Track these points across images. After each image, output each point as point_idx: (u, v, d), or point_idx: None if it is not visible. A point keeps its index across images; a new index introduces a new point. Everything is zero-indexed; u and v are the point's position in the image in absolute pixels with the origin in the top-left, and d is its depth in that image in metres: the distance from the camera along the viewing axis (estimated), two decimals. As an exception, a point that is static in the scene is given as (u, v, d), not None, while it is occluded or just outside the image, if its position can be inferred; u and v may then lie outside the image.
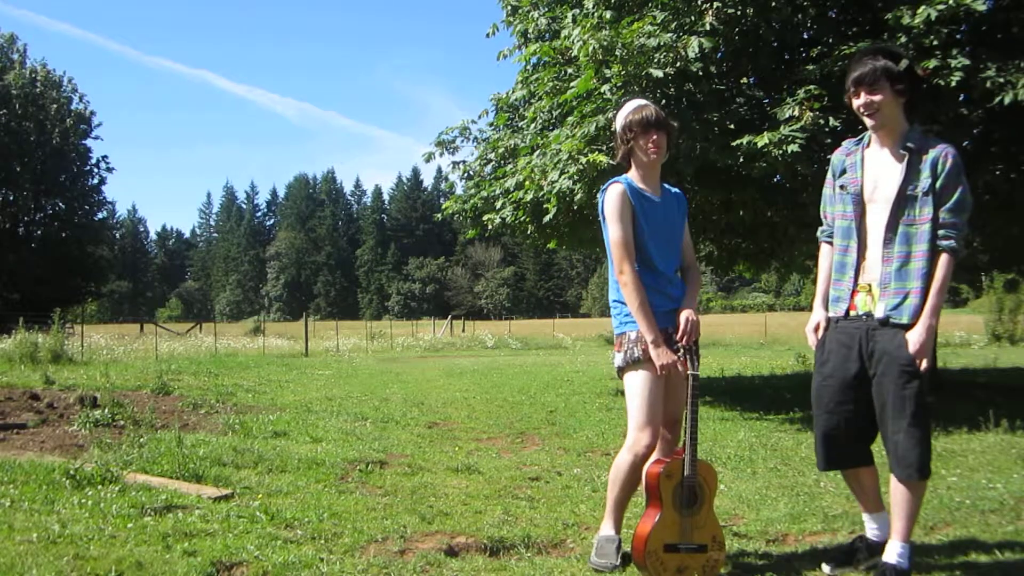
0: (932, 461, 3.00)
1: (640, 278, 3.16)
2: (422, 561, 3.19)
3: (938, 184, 2.86)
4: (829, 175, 3.20)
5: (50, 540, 3.21)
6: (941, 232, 2.87)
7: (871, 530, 3.19)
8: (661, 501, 3.01)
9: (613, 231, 3.19)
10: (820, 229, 3.27)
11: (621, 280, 3.17)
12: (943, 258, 2.87)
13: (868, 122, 2.98)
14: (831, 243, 3.18)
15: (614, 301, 3.29)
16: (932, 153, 2.89)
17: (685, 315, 3.17)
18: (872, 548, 3.14)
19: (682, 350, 3.12)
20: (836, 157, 3.19)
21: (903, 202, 2.90)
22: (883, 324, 2.93)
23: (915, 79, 2.94)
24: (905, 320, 2.90)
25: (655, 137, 3.17)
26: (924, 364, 2.86)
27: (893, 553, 2.97)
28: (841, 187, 3.11)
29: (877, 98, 2.92)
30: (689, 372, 3.06)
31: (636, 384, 3.15)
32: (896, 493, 2.98)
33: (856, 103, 2.99)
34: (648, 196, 3.23)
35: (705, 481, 3.07)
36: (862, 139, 3.13)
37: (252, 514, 3.71)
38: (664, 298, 3.20)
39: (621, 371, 3.22)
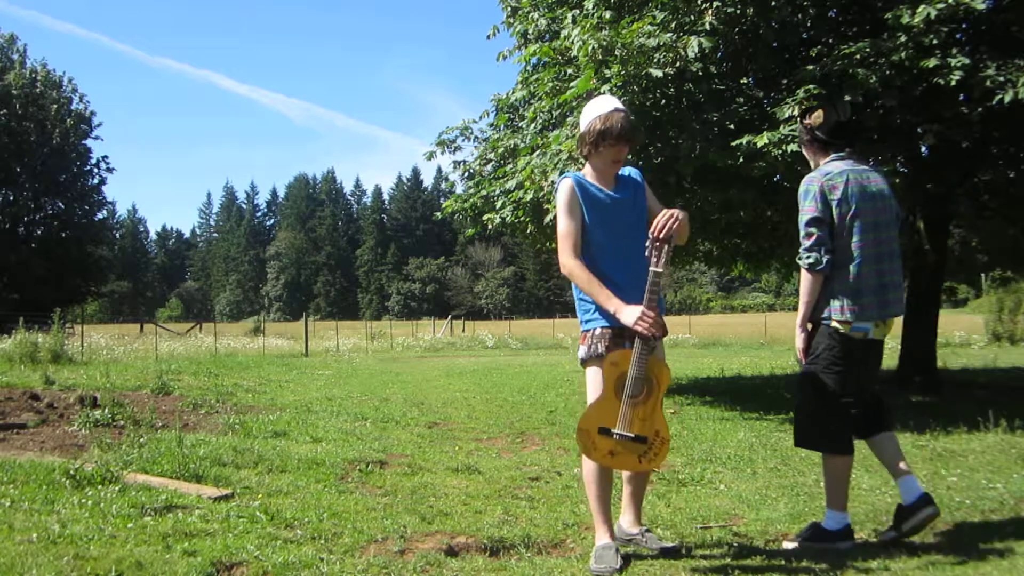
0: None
1: (583, 263, 3.19)
2: (422, 561, 3.19)
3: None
4: None
5: (50, 540, 3.21)
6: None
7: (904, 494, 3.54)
8: (603, 386, 3.10)
9: (559, 224, 3.26)
10: None
11: (565, 271, 3.22)
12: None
13: None
14: None
15: (578, 299, 3.33)
16: None
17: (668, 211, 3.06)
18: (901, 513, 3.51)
19: (650, 246, 3.05)
20: None
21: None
22: None
23: (806, 127, 3.60)
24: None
25: (619, 149, 3.21)
26: (798, 354, 3.54)
27: (824, 520, 3.48)
28: None
29: (803, 150, 3.71)
30: (652, 269, 3.03)
31: (596, 377, 3.22)
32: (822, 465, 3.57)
33: None
34: (598, 192, 3.26)
35: (656, 377, 3.10)
36: None
37: (252, 514, 3.71)
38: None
39: (583, 363, 3.29)
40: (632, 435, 3.05)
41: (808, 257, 3.38)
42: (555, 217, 3.34)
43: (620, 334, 3.17)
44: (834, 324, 3.42)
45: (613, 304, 3.09)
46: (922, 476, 4.74)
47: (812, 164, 3.64)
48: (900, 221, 3.66)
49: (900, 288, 3.63)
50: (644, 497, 3.67)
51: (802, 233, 3.41)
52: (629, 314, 3.04)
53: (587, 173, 3.31)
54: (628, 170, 3.39)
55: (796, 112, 3.71)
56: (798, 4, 7.23)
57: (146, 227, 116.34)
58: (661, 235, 3.03)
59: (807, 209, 3.41)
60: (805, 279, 3.42)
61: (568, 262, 3.19)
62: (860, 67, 6.32)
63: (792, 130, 6.24)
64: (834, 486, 3.46)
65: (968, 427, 6.27)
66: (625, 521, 3.44)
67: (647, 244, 3.06)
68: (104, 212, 42.16)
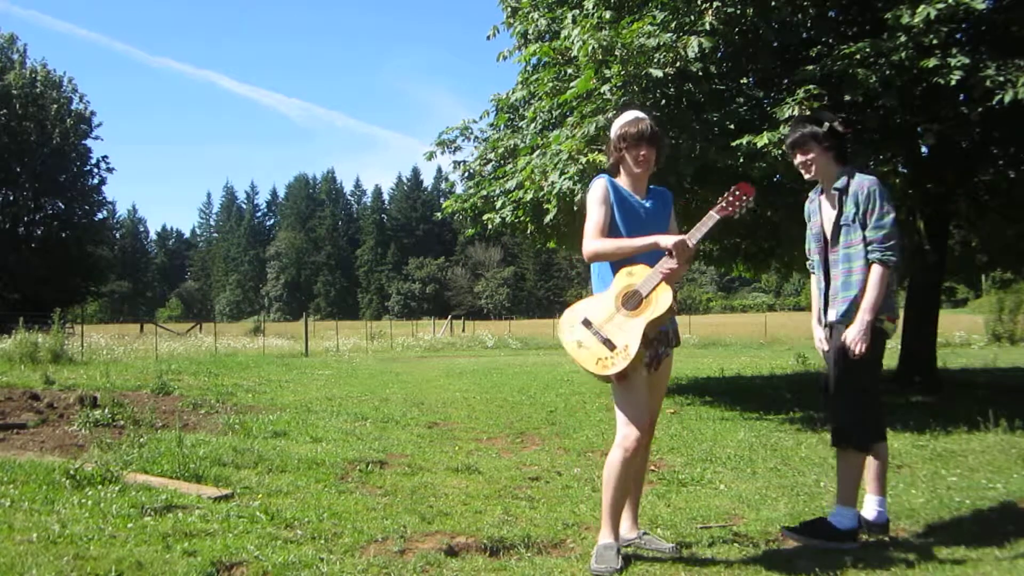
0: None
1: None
2: (422, 561, 3.19)
3: (861, 211, 3.49)
4: (806, 219, 3.81)
5: (50, 540, 3.21)
6: (869, 248, 3.46)
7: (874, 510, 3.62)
8: (611, 285, 3.23)
9: (589, 216, 3.33)
10: (807, 262, 3.83)
11: (590, 252, 3.29)
12: (872, 268, 3.46)
13: (806, 175, 3.66)
14: (815, 273, 3.77)
15: (597, 292, 3.37)
16: (853, 188, 3.51)
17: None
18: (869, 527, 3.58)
19: (728, 193, 3.28)
20: (806, 205, 3.81)
21: (838, 231, 3.57)
22: (832, 326, 3.58)
23: (836, 134, 3.58)
24: (848, 320, 3.51)
25: (644, 152, 3.33)
26: (859, 350, 3.41)
27: (832, 515, 3.50)
28: (810, 229, 3.76)
29: (808, 156, 3.62)
30: (711, 212, 3.24)
31: (626, 382, 3.22)
32: (837, 461, 3.60)
33: (795, 162, 3.70)
34: (630, 197, 3.36)
35: (655, 296, 3.16)
36: (818, 187, 3.74)
37: (252, 514, 3.71)
38: None
39: None
40: (604, 337, 3.14)
41: (893, 255, 3.45)
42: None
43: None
44: (886, 324, 3.52)
45: (650, 239, 3.20)
46: (922, 476, 4.74)
47: (820, 171, 3.61)
48: None
49: None
50: (641, 498, 3.67)
51: (885, 231, 3.44)
52: (669, 238, 3.16)
53: (620, 180, 3.43)
54: (661, 189, 3.52)
55: (809, 118, 3.69)
56: (798, 4, 7.23)
57: (146, 227, 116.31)
58: (743, 190, 3.23)
59: (889, 209, 3.47)
60: (881, 276, 3.43)
61: (592, 244, 3.28)
62: (860, 67, 6.32)
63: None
64: (850, 482, 3.52)
65: (968, 427, 6.28)
66: (623, 526, 3.43)
67: (727, 192, 3.24)
68: (104, 212, 42.10)
